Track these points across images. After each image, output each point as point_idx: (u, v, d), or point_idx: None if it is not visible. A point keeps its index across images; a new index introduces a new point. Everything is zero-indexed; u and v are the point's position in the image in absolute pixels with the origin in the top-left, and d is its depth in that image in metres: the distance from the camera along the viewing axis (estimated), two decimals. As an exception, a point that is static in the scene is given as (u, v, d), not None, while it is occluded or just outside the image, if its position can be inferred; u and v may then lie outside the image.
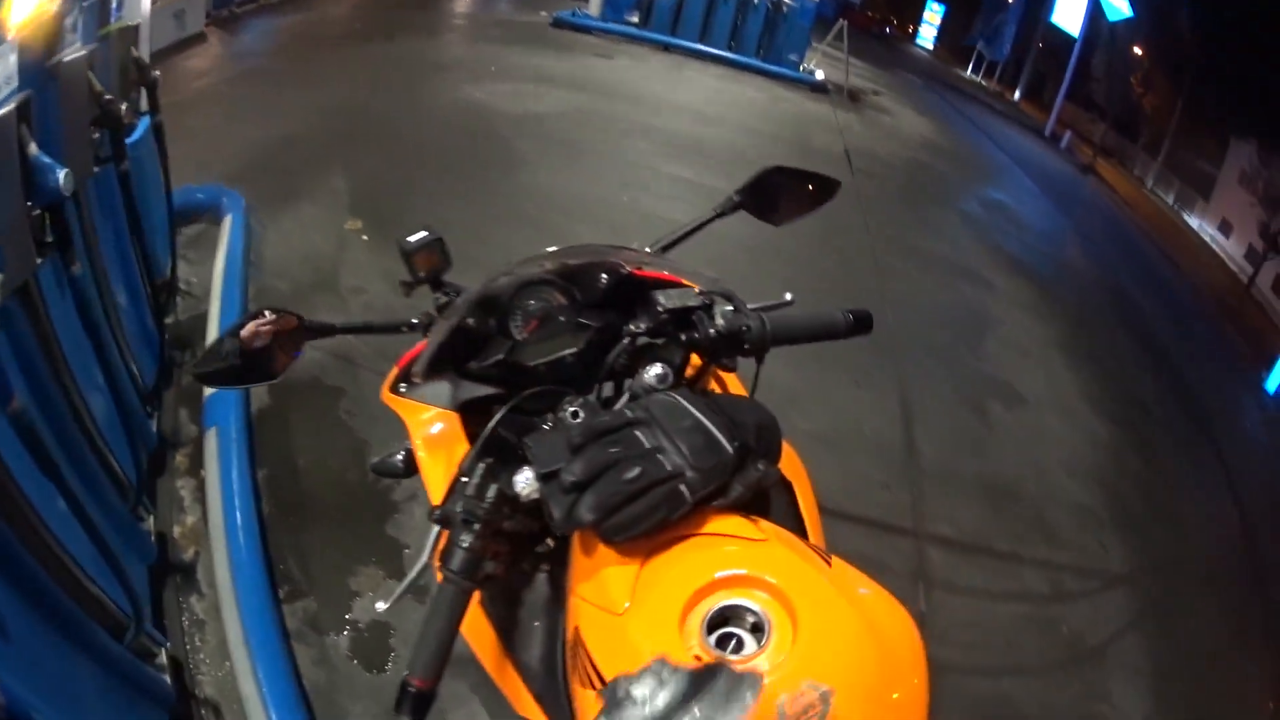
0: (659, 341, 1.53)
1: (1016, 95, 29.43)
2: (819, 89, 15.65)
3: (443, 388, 1.56)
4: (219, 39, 11.13)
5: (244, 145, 6.57)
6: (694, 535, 1.20)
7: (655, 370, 1.44)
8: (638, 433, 1.23)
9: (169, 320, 4.19)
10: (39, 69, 2.18)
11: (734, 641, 1.04)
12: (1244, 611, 5.14)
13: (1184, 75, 21.62)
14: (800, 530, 1.51)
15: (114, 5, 3.03)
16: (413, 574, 1.38)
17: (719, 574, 1.09)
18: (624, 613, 1.11)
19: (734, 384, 1.74)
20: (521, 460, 1.30)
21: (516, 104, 9.52)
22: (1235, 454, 7.11)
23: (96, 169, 2.75)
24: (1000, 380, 6.52)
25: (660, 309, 1.48)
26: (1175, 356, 8.75)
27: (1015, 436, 5.84)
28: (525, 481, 1.27)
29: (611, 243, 1.69)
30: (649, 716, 0.94)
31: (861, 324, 1.58)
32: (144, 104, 3.63)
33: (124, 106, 2.80)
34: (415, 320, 1.68)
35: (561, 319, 1.58)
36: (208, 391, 3.72)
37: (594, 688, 1.07)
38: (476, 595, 1.27)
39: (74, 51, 2.45)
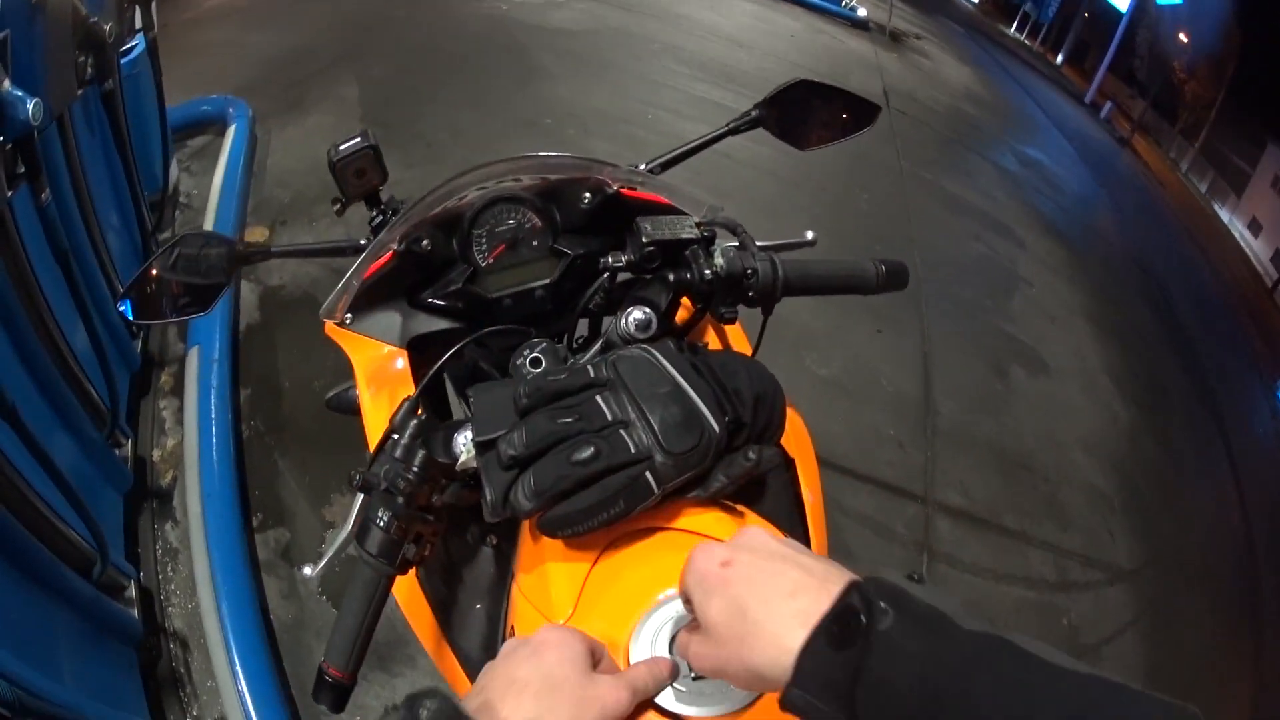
0: (646, 279, 1.31)
1: (1059, 59, 28.94)
2: (860, 25, 15.10)
3: (391, 319, 1.34)
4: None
5: (257, 58, 6.39)
6: (661, 530, 1.02)
7: (635, 315, 1.22)
8: (600, 399, 1.02)
9: (165, 235, 4.08)
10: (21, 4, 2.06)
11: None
12: (1237, 620, 5.03)
13: (1228, 71, 21.27)
14: (799, 521, 1.23)
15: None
16: (336, 544, 1.15)
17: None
18: (564, 623, 0.95)
19: (736, 337, 1.50)
20: (468, 416, 1.11)
21: (541, 16, 9.17)
22: (1245, 456, 6.94)
23: (81, 91, 2.63)
24: (1024, 343, 6.34)
25: (645, 240, 1.24)
26: (1197, 346, 8.53)
27: (1035, 404, 5.67)
28: (464, 445, 1.07)
29: (630, 158, 1.47)
30: None
31: (895, 279, 1.35)
32: (139, 21, 3.52)
33: (109, 27, 2.68)
34: (363, 241, 1.41)
35: (534, 244, 1.35)
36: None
37: None
38: (415, 570, 1.11)
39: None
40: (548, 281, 1.34)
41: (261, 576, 2.89)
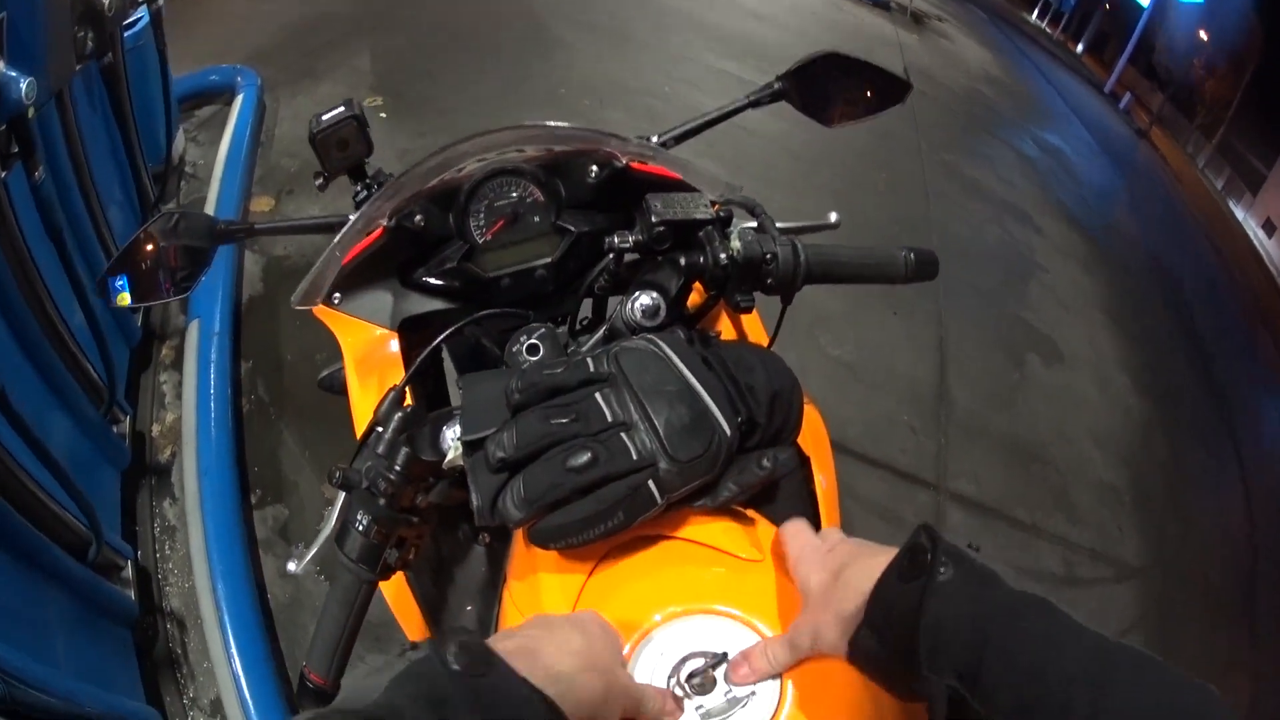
0: (655, 261, 1.20)
1: (1079, 48, 28.74)
2: (881, 5, 15.09)
3: (382, 300, 1.26)
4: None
5: (269, 26, 6.33)
6: (664, 539, 0.95)
7: (643, 301, 1.13)
8: (599, 397, 0.93)
9: (170, 205, 4.04)
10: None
11: (696, 680, 0.81)
12: (1237, 622, 4.95)
13: (1247, 71, 21.13)
14: (812, 518, 1.09)
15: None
16: (319, 542, 1.08)
17: (688, 607, 0.86)
18: None
19: (751, 326, 1.40)
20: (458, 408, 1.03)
21: (559, -14, 9.11)
22: (1253, 460, 6.86)
23: (80, 67, 2.58)
24: (1041, 332, 6.27)
25: (655, 219, 1.12)
26: (1210, 344, 8.43)
27: (1049, 395, 5.61)
28: (452, 442, 1.00)
29: (648, 129, 1.38)
30: None
31: (924, 269, 1.25)
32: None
33: (109, 1, 2.64)
34: (352, 218, 1.28)
35: (535, 219, 1.27)
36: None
37: None
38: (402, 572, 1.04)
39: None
40: (549, 260, 1.27)
41: (259, 554, 2.86)
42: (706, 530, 0.94)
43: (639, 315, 1.13)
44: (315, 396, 3.38)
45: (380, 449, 0.97)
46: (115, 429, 2.79)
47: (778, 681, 0.81)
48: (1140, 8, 23.11)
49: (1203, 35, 22.42)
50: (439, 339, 1.14)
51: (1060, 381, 5.85)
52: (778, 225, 1.22)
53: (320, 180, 1.36)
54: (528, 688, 0.65)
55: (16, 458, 1.91)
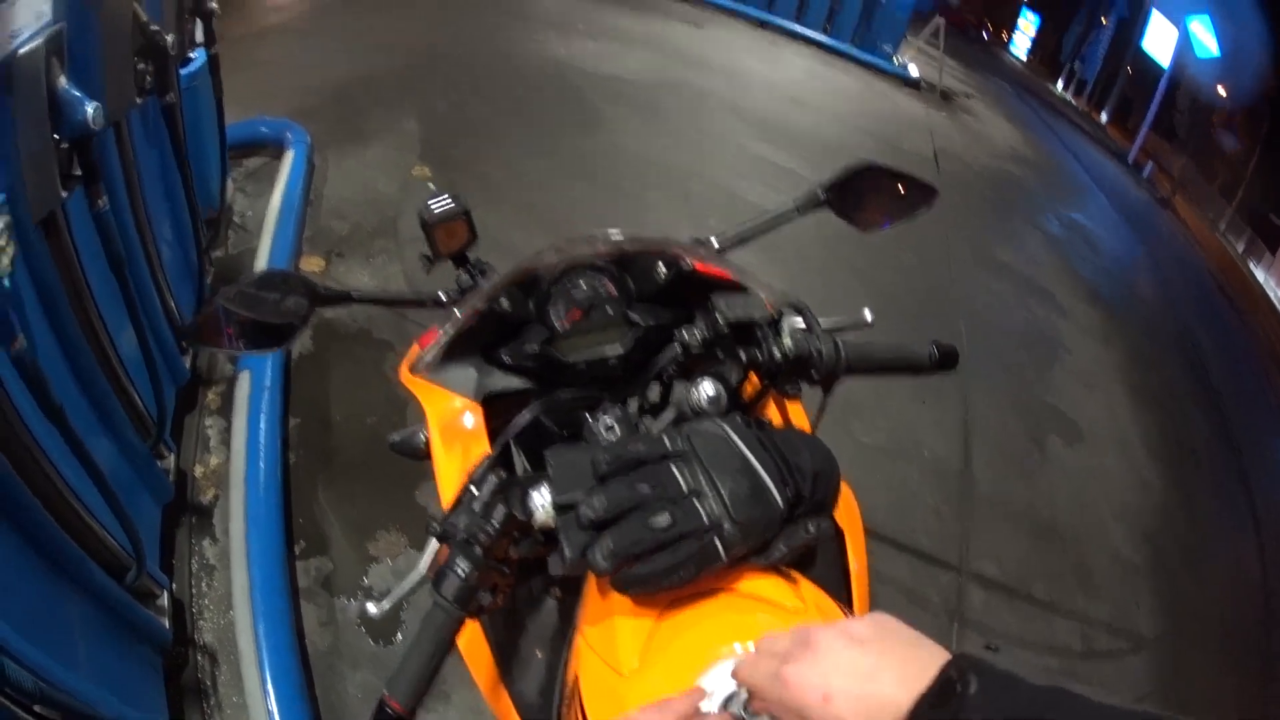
0: (715, 354, 1.36)
1: (1103, 118, 28.87)
2: (911, 84, 15.22)
3: (468, 374, 1.38)
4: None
5: (317, 80, 6.48)
6: (721, 592, 1.06)
7: (708, 389, 1.27)
8: (675, 469, 1.06)
9: (218, 254, 4.14)
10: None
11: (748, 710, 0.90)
12: (1251, 679, 4.89)
13: (1263, 126, 21.07)
14: (844, 587, 1.31)
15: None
16: (407, 585, 1.20)
17: (743, 647, 0.96)
18: (629, 675, 0.99)
19: (796, 413, 1.52)
20: (542, 474, 1.14)
21: (601, 64, 9.29)
22: (1271, 521, 6.85)
23: (140, 100, 2.65)
24: (1062, 412, 6.28)
25: (720, 319, 1.31)
26: (1228, 407, 8.41)
27: (1070, 473, 5.61)
28: (540, 504, 1.11)
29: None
30: None
31: (946, 360, 1.41)
32: (200, 36, 3.56)
33: (170, 38, 2.69)
34: (444, 295, 1.52)
35: (609, 311, 1.39)
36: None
37: None
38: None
39: (118, -25, 2.35)
40: (620, 349, 1.38)
41: (300, 602, 2.92)
42: (759, 585, 1.07)
43: (704, 401, 1.27)
44: (363, 458, 3.52)
45: (476, 507, 1.10)
46: (160, 464, 2.86)
47: None
48: (1161, 69, 23.23)
49: (1221, 91, 22.39)
50: (531, 415, 1.26)
51: (1081, 460, 5.85)
52: (821, 322, 1.36)
53: (427, 262, 1.54)
54: None
55: (65, 476, 1.97)
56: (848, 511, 1.37)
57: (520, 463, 1.40)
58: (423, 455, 1.48)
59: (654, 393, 1.42)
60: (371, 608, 1.16)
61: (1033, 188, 12.58)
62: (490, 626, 1.29)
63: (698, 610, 1.04)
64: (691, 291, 1.40)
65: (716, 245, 1.60)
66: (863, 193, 1.69)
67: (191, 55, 3.53)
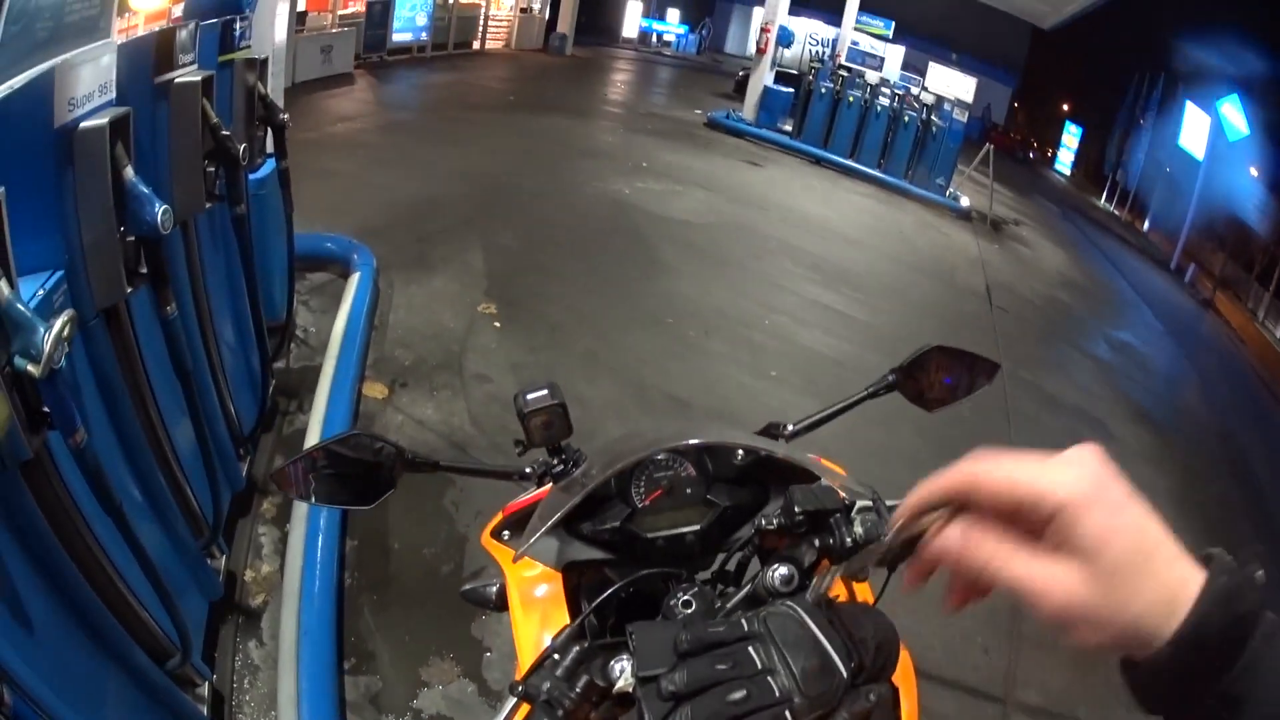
0: (791, 539, 1.40)
1: (1146, 225, 28.87)
2: (963, 216, 15.50)
3: (549, 543, 1.46)
4: (368, 84, 11.36)
5: (381, 199, 6.65)
6: None
7: (781, 572, 1.31)
8: (751, 649, 1.10)
9: (279, 365, 4.23)
10: (144, 84, 2.17)
11: None
12: None
13: None
14: None
15: (238, 32, 3.03)
16: None
17: None
18: None
19: (861, 587, 1.61)
20: (620, 642, 1.19)
21: (663, 204, 9.51)
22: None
23: (209, 205, 2.72)
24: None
25: (797, 511, 1.32)
26: (1272, 503, 8.35)
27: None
28: (622, 675, 1.16)
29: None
30: None
31: None
32: (269, 145, 3.62)
33: (243, 147, 2.77)
34: (528, 470, 1.59)
35: (688, 491, 1.48)
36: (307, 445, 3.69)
37: None
38: None
39: (189, 74, 2.43)
40: (698, 528, 1.45)
41: (347, 715, 2.91)
42: None
43: (778, 583, 1.31)
44: (420, 588, 3.53)
45: (558, 672, 1.18)
46: (210, 563, 2.90)
47: None
48: (1198, 164, 23.24)
49: (1253, 171, 22.19)
50: (613, 589, 1.32)
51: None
52: (887, 503, 1.36)
53: (520, 449, 1.58)
54: None
55: (117, 564, 2.01)
56: (904, 671, 1.43)
57: (590, 624, 1.45)
58: (493, 606, 1.57)
59: (730, 563, 1.47)
60: None
61: (1081, 312, 12.57)
62: None
63: None
64: (766, 475, 1.48)
65: (792, 429, 1.71)
66: (929, 373, 1.80)
67: (260, 162, 3.59)
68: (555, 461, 1.59)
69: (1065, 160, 38.62)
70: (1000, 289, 11.24)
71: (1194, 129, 24.20)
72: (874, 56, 18.90)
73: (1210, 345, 15.06)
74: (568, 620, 1.33)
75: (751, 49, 22.40)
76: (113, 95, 1.89)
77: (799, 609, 1.16)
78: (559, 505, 1.35)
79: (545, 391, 1.52)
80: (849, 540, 1.28)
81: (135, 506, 2.28)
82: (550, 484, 1.56)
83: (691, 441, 1.42)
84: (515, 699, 1.19)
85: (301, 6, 12.22)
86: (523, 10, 23.95)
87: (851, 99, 16.03)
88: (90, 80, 1.80)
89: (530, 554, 1.42)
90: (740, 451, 1.46)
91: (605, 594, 1.30)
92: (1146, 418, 8.93)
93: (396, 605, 3.42)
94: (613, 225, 8.39)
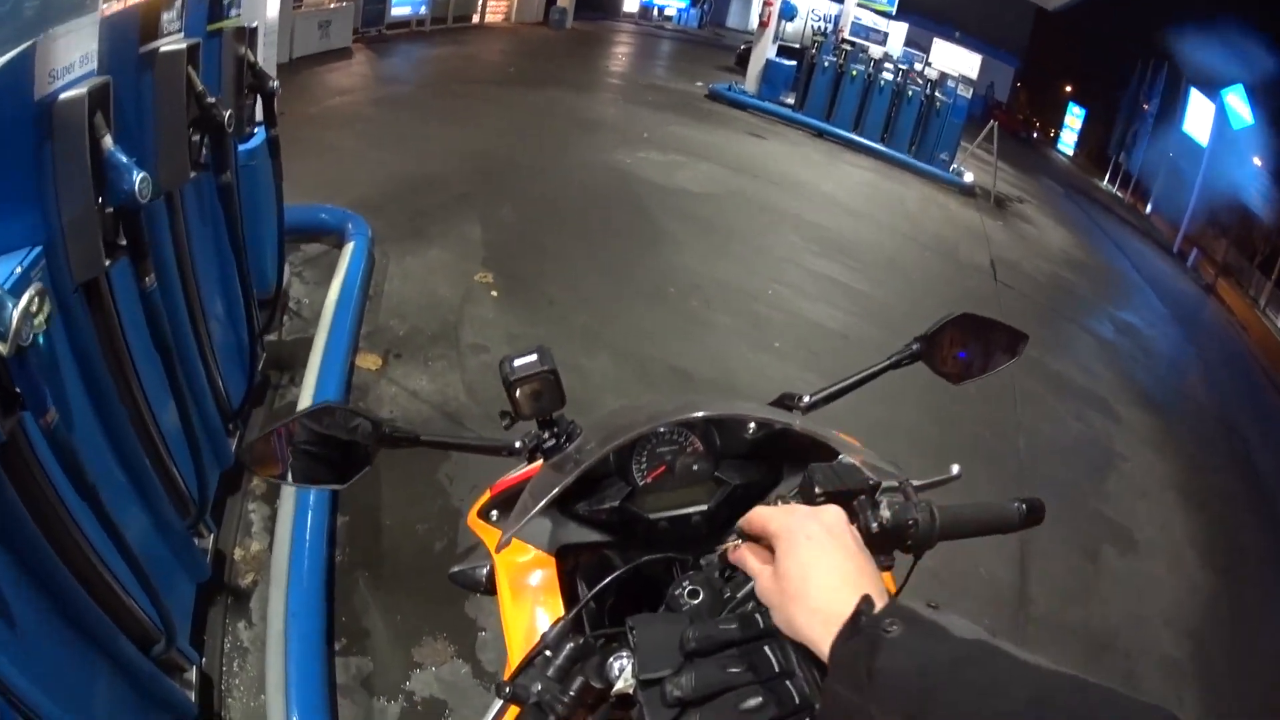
0: None
1: (1149, 208, 28.82)
2: (966, 191, 15.46)
3: (541, 525, 1.33)
4: (366, 58, 11.28)
5: (378, 172, 6.58)
6: None
7: None
8: (767, 649, 1.01)
9: (271, 337, 4.16)
10: (128, 54, 2.10)
11: None
12: None
13: None
14: None
15: (226, 1, 2.96)
16: None
17: None
18: None
19: (885, 578, 1.49)
20: (619, 633, 1.11)
21: (665, 176, 9.42)
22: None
23: (195, 175, 2.64)
24: (1117, 523, 6.16)
25: (818, 492, 1.19)
26: (1271, 488, 8.31)
27: (1122, 584, 5.49)
28: (621, 675, 1.06)
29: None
30: None
31: (1034, 514, 1.30)
32: (259, 114, 3.55)
33: (229, 113, 2.69)
34: (518, 445, 1.44)
35: (694, 468, 1.36)
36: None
37: None
38: None
39: (173, 42, 2.37)
40: (705, 508, 1.34)
41: (337, 698, 2.85)
42: None
43: None
44: (412, 566, 3.46)
45: (550, 672, 1.08)
46: (198, 543, 2.83)
47: None
48: (1202, 149, 23.21)
49: (1256, 161, 22.14)
50: (613, 576, 1.22)
51: (1133, 569, 5.74)
52: (913, 483, 1.29)
53: (506, 421, 1.44)
54: None
55: (98, 549, 1.95)
56: None
57: (589, 610, 1.33)
58: (483, 589, 1.43)
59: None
60: None
61: (1085, 292, 12.54)
62: None
63: None
64: (779, 451, 1.37)
65: (809, 400, 1.57)
66: (956, 343, 1.69)
67: (251, 132, 3.55)
68: (547, 435, 1.45)
69: (1068, 141, 38.50)
70: (1004, 265, 11.24)
71: (1198, 116, 24.09)
72: (877, 32, 18.74)
73: (1212, 331, 15.06)
74: (561, 610, 1.24)
75: (753, 24, 22.39)
76: (94, 66, 1.81)
77: None
78: (551, 484, 1.22)
79: (534, 357, 1.38)
80: (875, 525, 1.16)
81: (117, 487, 2.21)
82: (541, 460, 1.44)
83: (698, 413, 1.30)
84: (502, 701, 1.09)
85: (300, -19, 12.16)
86: (523, -16, 23.74)
87: (855, 72, 15.93)
88: (72, 50, 1.74)
89: (520, 537, 1.29)
90: (752, 424, 1.36)
91: (601, 584, 1.19)
92: (1150, 401, 8.92)
93: (389, 583, 3.36)
94: (614, 197, 8.32)
